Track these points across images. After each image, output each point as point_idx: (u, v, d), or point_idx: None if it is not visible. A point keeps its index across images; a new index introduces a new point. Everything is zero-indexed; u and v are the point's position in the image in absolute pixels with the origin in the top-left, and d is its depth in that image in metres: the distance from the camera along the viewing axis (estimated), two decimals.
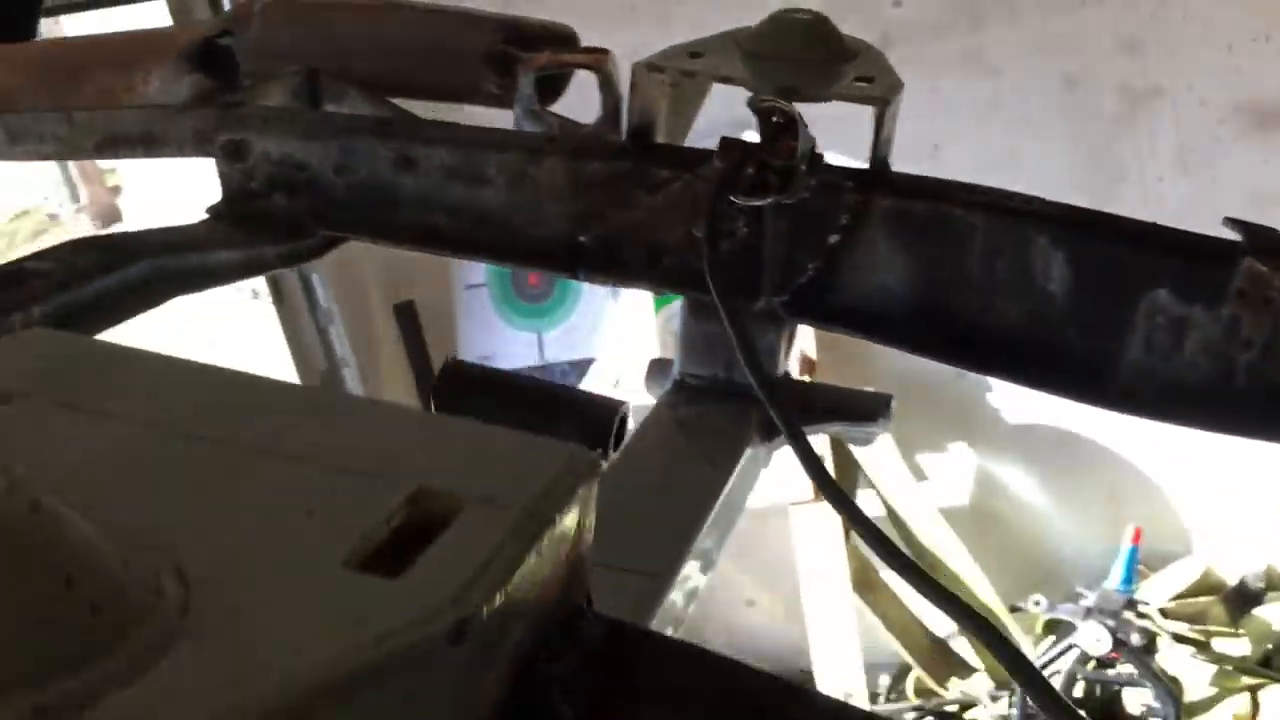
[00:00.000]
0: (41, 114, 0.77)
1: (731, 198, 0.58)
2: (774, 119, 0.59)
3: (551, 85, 0.70)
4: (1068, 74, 2.21)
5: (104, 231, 0.89)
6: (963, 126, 2.25)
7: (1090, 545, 2.52)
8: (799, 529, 2.23)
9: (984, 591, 2.46)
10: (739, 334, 0.55)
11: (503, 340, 2.40)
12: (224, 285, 0.62)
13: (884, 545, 0.47)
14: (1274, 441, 0.56)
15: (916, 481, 2.49)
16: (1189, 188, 2.23)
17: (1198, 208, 2.24)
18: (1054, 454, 2.51)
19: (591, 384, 2.38)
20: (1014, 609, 2.47)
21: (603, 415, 0.40)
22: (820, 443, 0.69)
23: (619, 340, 2.30)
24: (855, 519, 0.50)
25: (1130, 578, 2.18)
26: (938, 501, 2.52)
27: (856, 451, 2.47)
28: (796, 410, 0.66)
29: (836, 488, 0.52)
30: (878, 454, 2.43)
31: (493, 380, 0.41)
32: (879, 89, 0.61)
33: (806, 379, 1.69)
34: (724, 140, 0.61)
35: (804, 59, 0.64)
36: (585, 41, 0.74)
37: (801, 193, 0.59)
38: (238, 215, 0.69)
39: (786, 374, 0.68)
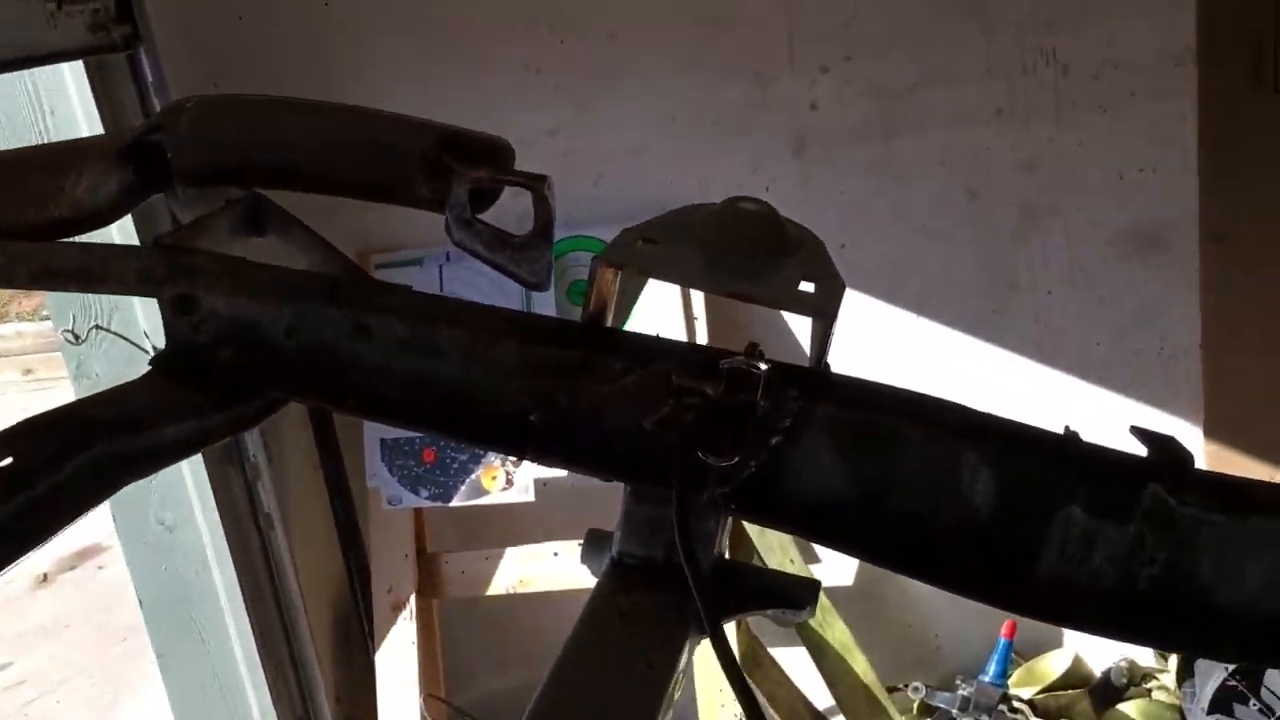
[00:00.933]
0: None
1: (700, 453, 0.62)
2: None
3: (485, 196, 0.71)
4: (970, 187, 2.32)
5: None
6: (870, 228, 2.33)
7: (968, 631, 2.61)
8: None
9: (864, 671, 2.52)
10: (690, 562, 0.58)
11: None
12: (173, 464, 0.61)
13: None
14: (1173, 651, 0.61)
15: (806, 563, 2.55)
16: (1077, 301, 2.35)
17: (1083, 321, 2.36)
18: None
19: None
20: (893, 689, 2.54)
21: None
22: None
23: None
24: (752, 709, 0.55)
25: (1004, 670, 2.26)
26: (826, 581, 2.58)
27: (749, 529, 2.51)
28: (730, 594, 0.69)
29: (747, 687, 0.56)
30: (771, 534, 2.48)
31: None
32: (822, 296, 0.64)
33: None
34: (680, 389, 0.64)
35: (753, 250, 0.67)
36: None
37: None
38: (183, 367, 0.69)
39: (720, 554, 0.70)
